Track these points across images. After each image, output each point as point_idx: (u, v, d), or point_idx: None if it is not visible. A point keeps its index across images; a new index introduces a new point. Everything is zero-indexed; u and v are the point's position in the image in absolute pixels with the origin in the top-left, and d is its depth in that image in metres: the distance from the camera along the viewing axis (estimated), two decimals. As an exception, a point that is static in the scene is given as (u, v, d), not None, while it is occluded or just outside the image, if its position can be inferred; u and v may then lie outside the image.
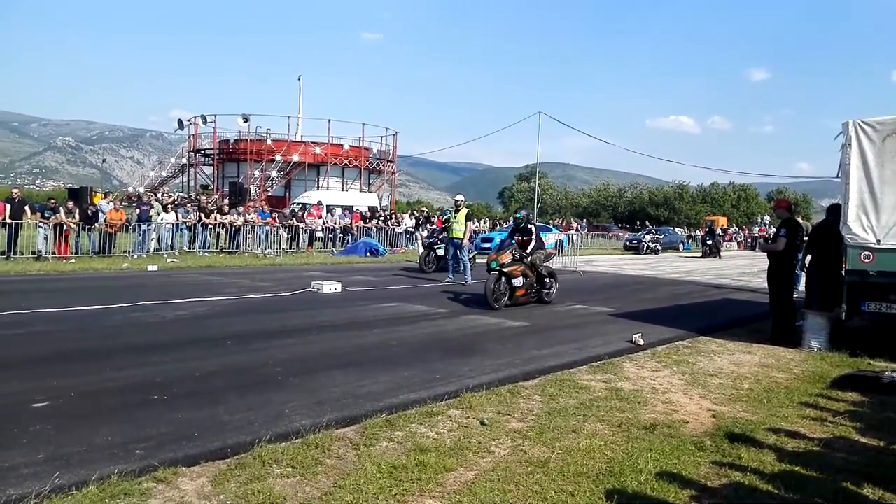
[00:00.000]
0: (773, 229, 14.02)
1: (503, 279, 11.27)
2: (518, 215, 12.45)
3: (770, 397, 6.13)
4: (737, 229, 53.65)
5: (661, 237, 38.76)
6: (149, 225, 19.95)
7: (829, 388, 6.53)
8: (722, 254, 35.05)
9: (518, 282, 11.38)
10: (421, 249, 23.16)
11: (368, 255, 23.40)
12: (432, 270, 17.61)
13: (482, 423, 5.01)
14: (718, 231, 40.61)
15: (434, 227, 22.03)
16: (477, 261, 17.01)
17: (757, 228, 50.41)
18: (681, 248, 41.22)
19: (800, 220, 10.81)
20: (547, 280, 12.28)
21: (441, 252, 17.73)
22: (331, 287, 12.92)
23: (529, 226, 12.20)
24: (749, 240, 47.49)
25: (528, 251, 11.67)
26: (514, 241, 11.94)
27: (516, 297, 11.43)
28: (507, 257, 11.38)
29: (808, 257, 9.67)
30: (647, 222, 52.63)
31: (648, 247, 35.68)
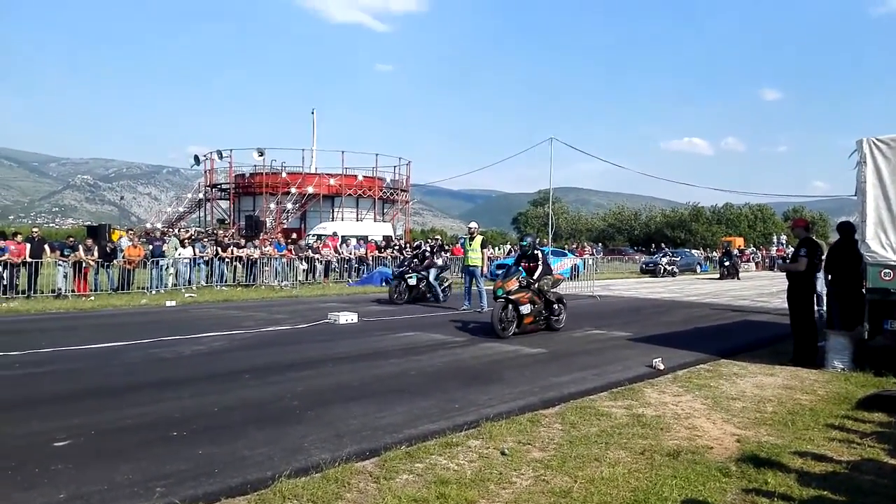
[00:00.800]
0: (791, 249, 13.91)
1: (510, 307, 11.09)
2: (524, 242, 12.33)
3: (795, 420, 6.03)
4: (754, 250, 53.22)
5: (678, 259, 38.52)
6: (166, 260, 20.11)
7: (855, 409, 6.42)
8: (740, 274, 34.74)
9: (526, 309, 11.17)
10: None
11: (384, 284, 23.38)
12: (404, 302, 16.80)
13: (503, 454, 4.96)
14: (735, 252, 40.31)
15: (408, 255, 21.62)
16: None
17: (774, 248, 50.04)
18: (698, 270, 40.92)
19: (816, 238, 10.70)
20: (556, 306, 12.07)
21: (413, 282, 17.23)
22: (347, 318, 12.93)
23: (536, 252, 12.05)
24: (767, 260, 47.13)
25: (535, 277, 11.53)
26: (520, 268, 11.74)
27: (524, 325, 11.22)
28: (513, 284, 11.20)
29: (828, 277, 9.57)
30: (663, 245, 52.41)
31: (665, 269, 35.46)
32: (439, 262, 19.04)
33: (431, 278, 17.38)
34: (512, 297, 11.08)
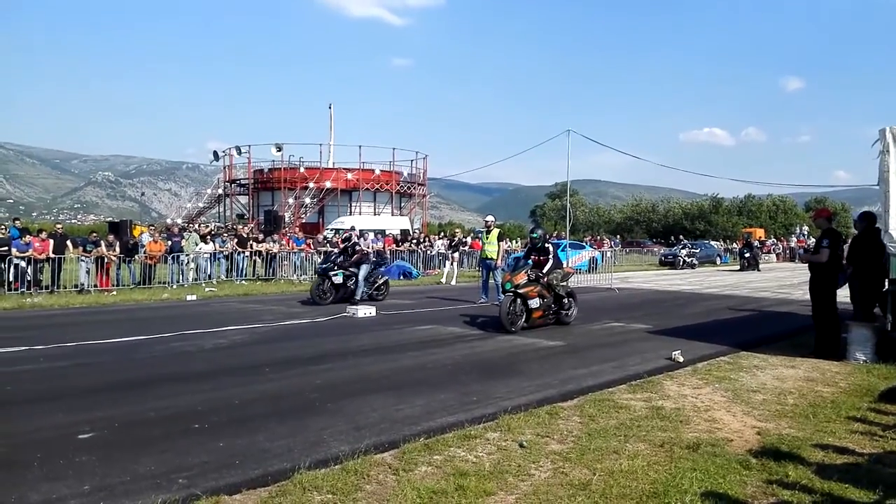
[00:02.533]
0: (813, 240, 13.76)
1: (519, 301, 10.90)
2: (534, 235, 12.08)
3: (816, 412, 5.98)
4: (775, 241, 52.67)
5: (698, 251, 38.21)
6: (187, 255, 20.30)
7: (878, 402, 6.35)
8: (760, 266, 34.40)
9: (534, 303, 10.96)
10: (450, 269, 23.20)
11: (402, 277, 23.48)
12: (329, 302, 14.79)
13: (521, 446, 4.96)
14: (756, 243, 39.91)
15: (333, 250, 18.79)
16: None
17: (795, 239, 49.49)
18: (718, 262, 40.57)
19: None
20: (565, 300, 11.85)
21: (339, 280, 15.08)
22: (366, 311, 12.98)
23: (546, 245, 11.79)
24: (788, 251, 46.62)
25: (544, 271, 11.27)
26: (530, 262, 11.53)
27: (533, 320, 11.01)
28: (522, 278, 11.02)
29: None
30: (682, 236, 52.03)
31: (684, 261, 35.19)
32: (373, 256, 16.90)
33: (361, 276, 15.25)
34: (521, 291, 10.89)
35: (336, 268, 15.16)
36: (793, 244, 47.27)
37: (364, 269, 15.40)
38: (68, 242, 18.81)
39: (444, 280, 22.72)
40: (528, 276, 11.12)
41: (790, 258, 44.25)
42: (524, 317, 10.95)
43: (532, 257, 11.64)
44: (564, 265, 12.97)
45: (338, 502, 3.95)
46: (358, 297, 15.03)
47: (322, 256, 18.45)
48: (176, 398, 6.40)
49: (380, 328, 11.36)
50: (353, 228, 26.88)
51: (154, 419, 5.68)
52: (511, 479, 4.32)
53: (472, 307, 14.47)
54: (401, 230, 32.95)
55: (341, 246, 16.07)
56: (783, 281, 24.63)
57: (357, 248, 15.88)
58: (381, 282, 16.03)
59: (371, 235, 28.53)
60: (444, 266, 24.63)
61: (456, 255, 24.60)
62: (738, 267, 34.41)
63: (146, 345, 9.49)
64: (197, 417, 5.69)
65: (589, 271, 24.85)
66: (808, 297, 9.33)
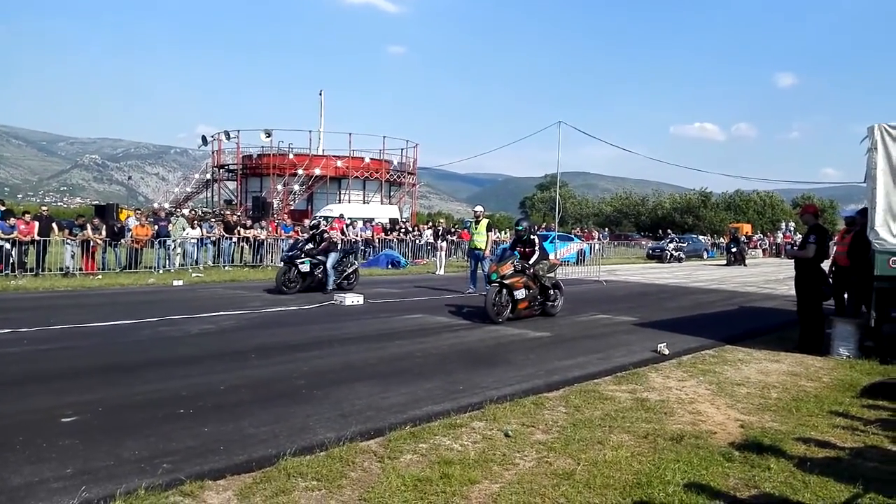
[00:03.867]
0: (799, 236, 13.85)
1: (504, 291, 10.88)
2: (520, 227, 12.03)
3: (799, 406, 6.04)
4: (762, 236, 53.01)
5: (685, 245, 38.39)
6: (173, 240, 20.18)
7: (860, 397, 6.42)
8: (747, 261, 34.63)
9: (520, 294, 10.94)
10: (441, 257, 23.19)
11: (390, 266, 23.46)
12: (295, 291, 14.38)
13: (506, 435, 4.98)
14: (743, 238, 40.15)
15: (299, 238, 18.14)
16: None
17: (781, 235, 49.84)
18: (705, 256, 40.79)
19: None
20: (551, 292, 11.85)
21: (305, 268, 14.61)
22: (353, 299, 12.96)
23: (532, 237, 11.78)
24: (774, 247, 46.95)
25: (530, 262, 11.27)
26: (516, 252, 11.51)
27: (518, 311, 10.99)
28: (508, 268, 10.98)
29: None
30: (670, 230, 52.24)
31: (672, 255, 35.37)
32: (340, 245, 16.56)
33: (329, 264, 14.86)
34: (506, 282, 10.85)
35: (303, 255, 14.72)
36: (779, 240, 47.62)
37: (332, 258, 15.05)
38: (54, 225, 18.67)
39: (437, 270, 22.67)
40: (515, 266, 11.08)
41: (776, 254, 44.59)
42: (510, 307, 10.92)
43: (518, 248, 11.62)
44: (551, 257, 12.97)
45: (322, 489, 3.95)
46: (329, 287, 14.76)
47: (288, 245, 17.69)
48: (161, 383, 6.37)
49: (367, 316, 11.35)
50: (341, 216, 26.72)
51: (139, 403, 5.65)
52: (496, 468, 4.33)
53: (460, 297, 14.48)
54: (390, 219, 32.90)
55: (309, 233, 15.67)
56: (769, 276, 24.81)
57: (325, 235, 15.57)
58: (350, 270, 15.65)
59: (360, 224, 28.49)
60: (434, 256, 24.64)
61: (443, 244, 24.60)
62: (724, 262, 34.62)
63: (132, 329, 9.44)
64: (182, 402, 5.67)
65: (577, 263, 24.93)
66: (793, 292, 9.40)
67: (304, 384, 6.43)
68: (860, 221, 9.26)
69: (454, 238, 29.25)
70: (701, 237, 50.04)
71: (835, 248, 10.77)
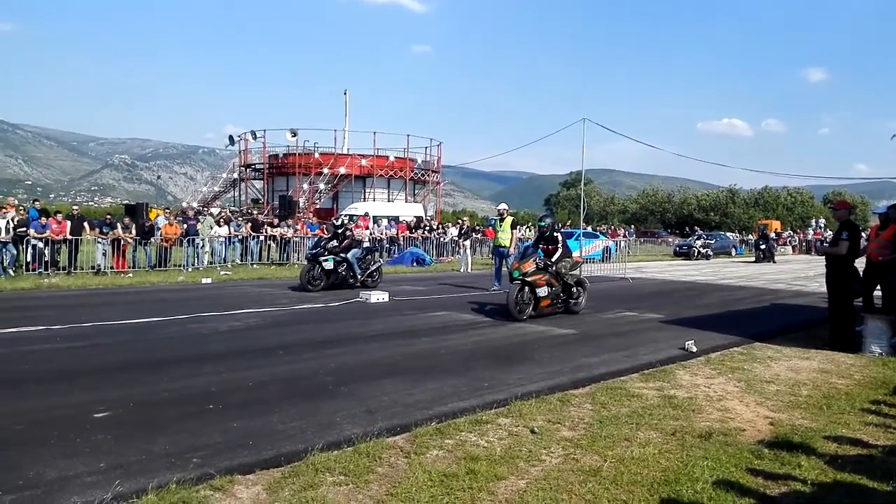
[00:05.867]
0: (829, 232, 13.62)
1: (527, 289, 10.80)
2: (543, 223, 11.88)
3: (830, 404, 5.94)
4: (791, 233, 52.24)
5: (713, 242, 37.97)
6: (202, 239, 20.42)
7: (892, 394, 6.31)
8: (776, 258, 34.15)
9: (542, 291, 10.84)
10: (466, 255, 23.18)
11: (415, 264, 23.51)
12: (320, 288, 14.48)
13: (532, 432, 4.98)
14: (772, 235, 39.60)
15: (324, 235, 18.16)
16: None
17: (812, 232, 49.06)
18: (733, 253, 40.32)
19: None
20: (574, 289, 11.72)
21: (329, 266, 14.68)
22: (379, 297, 13.02)
23: (555, 234, 11.63)
24: (804, 244, 46.22)
25: (553, 260, 11.15)
26: (539, 250, 11.40)
27: (541, 308, 10.89)
28: (530, 266, 10.88)
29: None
30: (697, 227, 51.67)
31: (699, 252, 35.00)
32: (365, 242, 16.68)
33: (350, 257, 15.02)
34: (528, 280, 10.77)
35: (327, 253, 14.78)
36: (809, 236, 46.86)
37: (354, 253, 15.17)
38: (85, 224, 18.99)
39: (462, 268, 22.64)
40: (537, 264, 11.00)
41: (806, 250, 43.86)
42: (532, 305, 10.85)
43: (541, 246, 11.51)
44: (575, 254, 12.88)
45: (350, 484, 3.98)
46: (358, 279, 14.99)
47: (312, 243, 17.82)
48: (191, 379, 6.46)
49: (392, 314, 11.39)
50: (366, 215, 26.86)
51: (169, 399, 5.74)
52: (522, 465, 4.33)
53: (484, 294, 14.47)
54: (414, 217, 32.94)
55: (332, 231, 15.72)
56: (798, 273, 24.44)
57: (348, 233, 15.65)
58: (373, 268, 15.72)
59: (384, 222, 28.59)
60: (458, 254, 24.65)
61: (467, 242, 24.59)
62: (753, 258, 34.17)
63: (161, 326, 9.58)
64: (211, 398, 5.74)
65: (603, 261, 24.77)
66: (823, 289, 9.25)
67: (331, 380, 6.48)
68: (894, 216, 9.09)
69: (479, 236, 29.22)
70: (729, 234, 49.46)
71: (867, 244, 10.57)
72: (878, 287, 10.34)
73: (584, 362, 7.64)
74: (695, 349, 8.33)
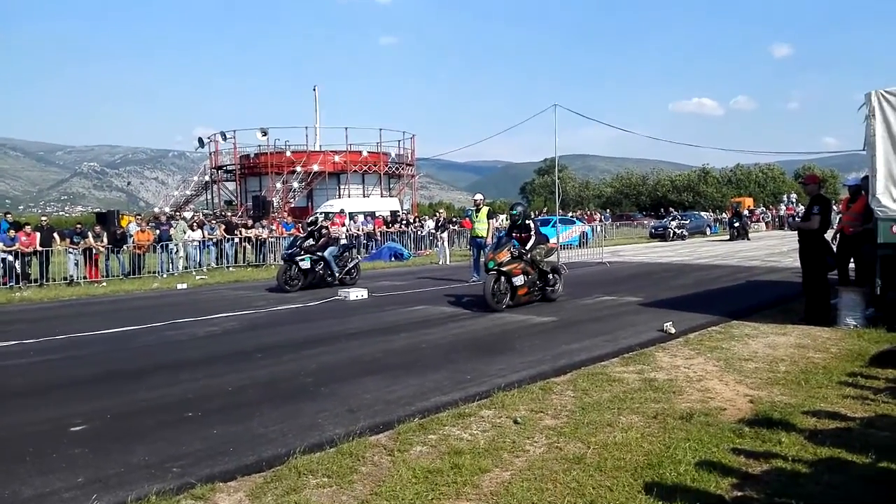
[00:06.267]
0: (801, 207, 13.78)
1: (503, 279, 10.76)
2: (514, 211, 11.83)
3: (808, 378, 6.01)
4: (764, 210, 52.87)
5: (687, 222, 38.32)
6: (175, 244, 20.19)
7: (868, 366, 6.39)
8: (750, 235, 34.54)
9: (519, 280, 10.80)
10: (443, 248, 23.17)
11: (393, 259, 23.46)
12: (297, 288, 14.35)
13: (515, 422, 4.97)
14: (745, 213, 40.04)
15: (301, 234, 17.82)
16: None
17: (784, 207, 49.68)
18: (708, 233, 40.74)
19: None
20: (550, 276, 11.69)
21: (306, 265, 14.55)
22: (358, 294, 12.96)
23: (528, 221, 11.61)
24: (777, 220, 46.81)
25: (527, 248, 11.12)
26: (513, 239, 11.32)
27: (518, 297, 10.86)
28: (504, 255, 10.82)
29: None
30: (672, 208, 52.09)
31: (675, 233, 35.30)
32: (342, 239, 16.99)
33: (329, 258, 14.95)
34: (504, 269, 10.72)
35: (303, 253, 14.67)
36: (782, 212, 47.47)
37: (330, 251, 15.09)
38: (55, 235, 18.67)
39: (440, 261, 22.63)
40: (512, 253, 10.95)
41: (779, 226, 44.43)
42: (509, 294, 10.81)
43: (514, 234, 11.45)
44: (551, 241, 12.88)
45: (334, 485, 3.95)
46: (336, 277, 14.98)
47: (288, 243, 17.32)
48: (168, 387, 6.37)
49: (372, 310, 11.34)
50: (342, 211, 26.72)
51: (147, 409, 5.66)
52: (506, 456, 4.32)
53: (464, 286, 14.47)
54: (390, 211, 32.83)
55: (307, 230, 15.57)
56: (772, 249, 24.73)
57: (324, 231, 15.62)
58: (351, 265, 15.65)
59: (361, 218, 28.46)
60: (437, 247, 24.62)
61: (445, 235, 24.56)
62: (727, 237, 34.54)
63: (138, 335, 9.44)
64: (190, 406, 5.67)
65: (580, 246, 24.89)
66: (797, 264, 9.35)
67: (311, 381, 6.43)
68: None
69: (456, 227, 29.19)
70: (703, 213, 49.94)
71: (839, 217, 10.72)
72: (852, 259, 10.50)
73: (565, 349, 7.66)
74: (673, 330, 8.39)
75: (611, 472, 3.99)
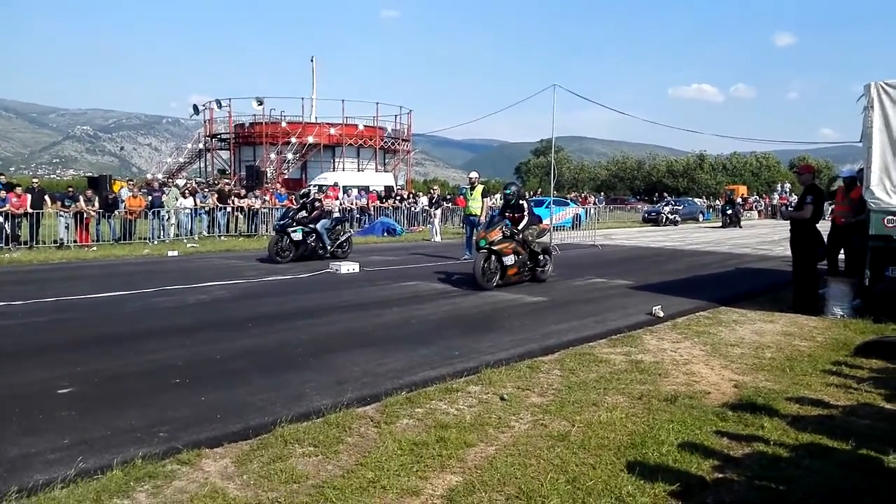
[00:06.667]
0: (795, 197, 13.82)
1: (493, 258, 10.75)
2: (508, 191, 11.81)
3: (793, 366, 6.07)
4: (757, 198, 53.01)
5: (680, 208, 38.43)
6: (168, 211, 20.09)
7: (853, 356, 6.45)
8: (742, 223, 34.67)
9: (509, 260, 10.79)
10: (436, 224, 23.15)
11: (386, 234, 23.43)
12: (289, 260, 14.35)
13: (502, 399, 5.01)
14: (738, 200, 40.15)
15: (292, 206, 17.79)
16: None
17: (777, 196, 49.82)
18: (700, 219, 40.86)
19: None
20: (541, 257, 11.69)
21: (298, 237, 14.53)
22: (349, 267, 12.96)
23: (521, 202, 11.56)
24: (770, 208, 46.95)
25: (519, 227, 11.09)
26: (505, 218, 11.30)
27: (508, 277, 10.86)
28: (496, 234, 10.80)
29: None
30: (666, 193, 52.18)
31: (667, 218, 35.40)
32: (335, 213, 16.89)
33: (319, 228, 14.93)
34: (495, 248, 10.70)
35: (295, 224, 14.65)
36: (775, 201, 47.60)
37: (323, 223, 15.08)
38: (46, 197, 18.53)
39: (434, 237, 22.61)
40: (504, 232, 10.93)
41: (772, 215, 44.59)
42: (499, 274, 10.81)
43: (507, 214, 11.43)
44: (544, 222, 12.85)
45: (320, 455, 3.97)
46: (328, 250, 14.98)
47: (280, 214, 17.46)
48: (157, 353, 6.37)
49: (363, 284, 11.35)
50: (336, 185, 26.61)
51: (135, 374, 5.66)
52: (491, 431, 4.36)
53: (456, 264, 14.47)
54: (385, 186, 32.74)
55: (300, 202, 15.56)
56: (764, 237, 24.84)
57: (317, 203, 15.62)
58: (343, 238, 15.63)
59: (354, 192, 28.37)
60: (430, 223, 24.59)
61: (438, 211, 24.52)
62: (720, 224, 34.66)
63: (127, 300, 9.42)
64: (178, 372, 5.67)
65: (573, 228, 24.92)
66: (788, 253, 9.40)
67: (300, 352, 6.44)
68: None
69: (450, 205, 29.15)
70: (696, 200, 50.03)
71: (832, 207, 10.76)
72: (842, 250, 10.56)
73: (554, 329, 7.70)
74: (662, 314, 8.43)
75: (594, 450, 4.03)
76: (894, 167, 7.75)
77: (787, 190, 52.22)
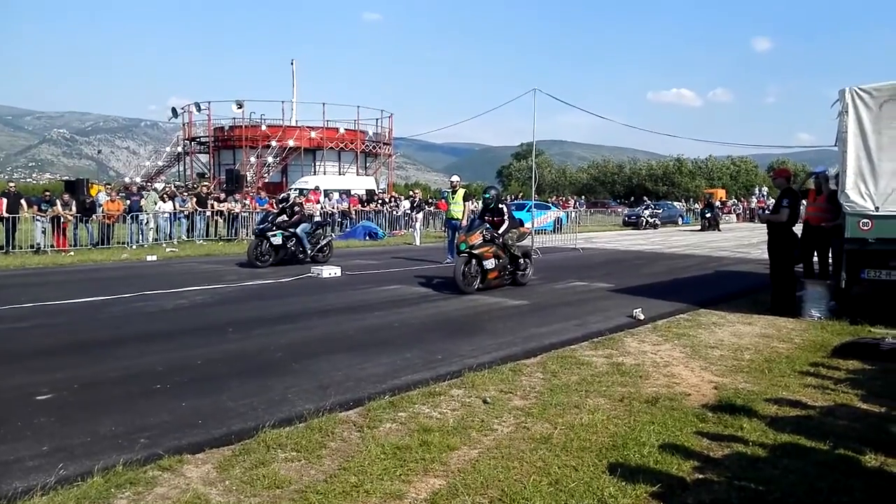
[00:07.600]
0: (772, 200, 13.99)
1: (474, 262, 10.76)
2: (487, 195, 11.88)
3: (771, 367, 6.14)
4: (735, 201, 53.59)
5: (660, 212, 38.73)
6: (146, 215, 19.91)
7: (830, 357, 6.54)
8: (721, 226, 35.03)
9: (489, 264, 10.82)
10: (418, 228, 23.14)
11: (367, 238, 23.39)
12: (268, 264, 14.28)
13: (485, 402, 5.02)
14: (717, 204, 40.56)
15: (273, 210, 17.67)
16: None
17: (755, 200, 50.38)
18: (680, 222, 41.19)
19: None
20: (521, 261, 11.73)
21: (277, 241, 14.48)
22: (331, 272, 12.92)
23: (500, 205, 11.64)
24: (747, 212, 47.46)
25: (500, 231, 11.13)
26: (485, 222, 11.32)
27: (489, 280, 10.89)
28: (477, 238, 10.81)
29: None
30: (646, 197, 52.55)
31: (647, 221, 35.67)
32: (316, 217, 17.03)
33: (301, 235, 14.91)
34: (476, 252, 10.72)
35: (275, 228, 14.58)
36: (753, 205, 48.14)
37: (303, 227, 15.03)
38: (22, 201, 18.30)
39: (416, 241, 22.62)
40: (484, 236, 10.94)
41: (750, 218, 45.08)
42: (479, 277, 10.84)
43: (487, 218, 11.46)
44: (525, 225, 12.91)
45: (302, 459, 3.96)
46: (308, 254, 14.95)
47: (260, 218, 17.45)
48: (137, 359, 6.32)
49: (345, 288, 11.32)
50: (316, 188, 26.51)
51: (115, 380, 5.61)
52: (474, 434, 4.37)
53: (438, 267, 14.48)
54: (366, 190, 32.66)
55: (280, 206, 15.52)
56: (742, 240, 25.12)
57: (297, 208, 15.58)
58: (323, 242, 15.60)
59: (336, 195, 28.29)
60: (412, 227, 24.59)
61: (419, 215, 24.53)
62: (699, 227, 34.98)
63: (106, 305, 9.33)
64: (158, 378, 5.63)
65: (554, 231, 25.03)
66: (765, 256, 9.51)
67: (282, 357, 6.42)
68: None
69: (431, 209, 29.16)
70: (676, 203, 50.46)
71: (805, 209, 10.88)
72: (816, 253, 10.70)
73: (536, 332, 7.73)
74: (642, 317, 8.51)
75: (576, 452, 4.06)
76: (869, 171, 7.88)
77: (765, 193, 52.84)
